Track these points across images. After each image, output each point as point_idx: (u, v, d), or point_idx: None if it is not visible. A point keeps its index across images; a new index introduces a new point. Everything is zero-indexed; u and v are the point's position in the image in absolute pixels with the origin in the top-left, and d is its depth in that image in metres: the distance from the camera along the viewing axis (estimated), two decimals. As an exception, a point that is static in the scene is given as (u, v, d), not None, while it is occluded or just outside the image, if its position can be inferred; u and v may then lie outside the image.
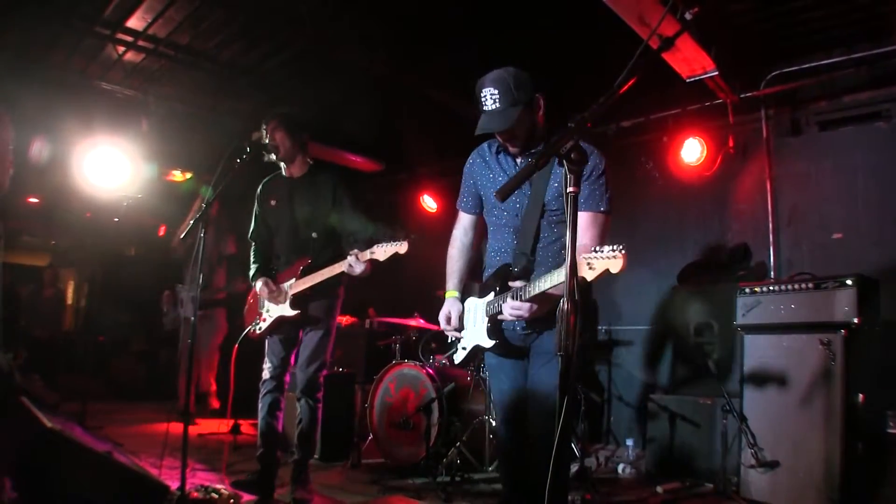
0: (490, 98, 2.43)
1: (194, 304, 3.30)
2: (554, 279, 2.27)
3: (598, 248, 2.02)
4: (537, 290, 2.34)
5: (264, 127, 3.72)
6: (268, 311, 3.77)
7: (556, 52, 5.04)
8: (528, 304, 2.39)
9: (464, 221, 2.94)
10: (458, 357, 2.84)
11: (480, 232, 2.92)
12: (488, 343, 2.61)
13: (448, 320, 2.77)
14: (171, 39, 5.50)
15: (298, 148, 3.77)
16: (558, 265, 2.34)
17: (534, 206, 2.56)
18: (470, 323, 2.74)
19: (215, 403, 6.55)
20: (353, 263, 3.37)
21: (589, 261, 2.04)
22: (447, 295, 2.85)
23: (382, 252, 3.32)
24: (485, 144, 2.76)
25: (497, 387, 2.84)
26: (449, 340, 2.97)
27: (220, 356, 6.69)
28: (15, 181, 3.28)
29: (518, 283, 2.47)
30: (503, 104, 2.42)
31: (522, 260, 2.57)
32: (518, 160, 2.66)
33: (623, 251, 1.98)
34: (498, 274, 2.64)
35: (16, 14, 5.07)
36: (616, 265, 1.99)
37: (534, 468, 2.34)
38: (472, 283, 2.84)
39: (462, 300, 2.80)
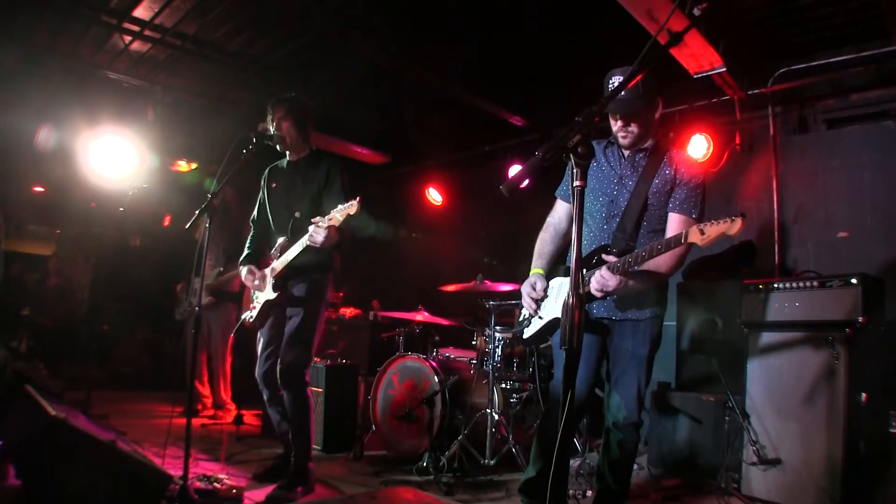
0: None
1: (201, 293, 3.29)
2: (654, 250, 2.42)
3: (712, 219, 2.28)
4: (636, 263, 2.46)
5: (270, 113, 3.68)
6: (256, 297, 3.74)
7: (563, 47, 5.02)
8: (617, 277, 2.48)
9: (560, 210, 3.01)
10: (531, 330, 2.89)
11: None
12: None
13: (533, 288, 2.83)
14: (178, 29, 5.50)
15: (304, 137, 3.75)
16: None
17: (636, 198, 2.71)
18: (552, 298, 2.81)
19: (227, 416, 5.92)
20: (314, 232, 3.23)
21: (702, 228, 2.27)
22: (533, 272, 2.91)
23: (340, 214, 3.15)
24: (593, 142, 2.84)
25: (560, 370, 2.86)
26: (521, 318, 3.01)
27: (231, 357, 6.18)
28: (20, 170, 3.29)
29: (612, 259, 2.57)
30: (628, 94, 2.53)
31: (622, 243, 2.67)
32: (626, 153, 2.76)
33: (742, 216, 2.19)
34: (594, 252, 2.69)
35: (23, 2, 5.07)
36: (734, 228, 2.21)
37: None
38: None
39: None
